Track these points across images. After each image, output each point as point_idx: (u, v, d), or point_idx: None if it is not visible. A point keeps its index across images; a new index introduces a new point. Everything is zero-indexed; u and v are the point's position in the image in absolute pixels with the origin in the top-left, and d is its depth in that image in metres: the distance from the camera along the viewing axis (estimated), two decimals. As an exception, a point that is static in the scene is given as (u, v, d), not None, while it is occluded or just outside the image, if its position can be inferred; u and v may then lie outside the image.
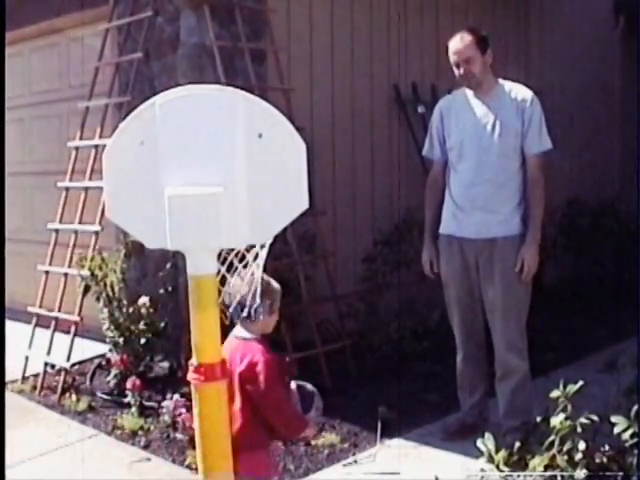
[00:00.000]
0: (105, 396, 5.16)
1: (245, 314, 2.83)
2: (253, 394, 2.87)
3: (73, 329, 5.31)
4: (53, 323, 5.48)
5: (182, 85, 2.34)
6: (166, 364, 5.48)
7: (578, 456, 2.86)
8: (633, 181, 7.78)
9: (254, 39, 5.59)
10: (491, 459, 2.99)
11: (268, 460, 3.07)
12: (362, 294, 6.06)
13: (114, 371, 5.21)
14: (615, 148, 8.89)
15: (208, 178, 2.17)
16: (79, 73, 6.50)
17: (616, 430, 2.85)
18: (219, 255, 2.35)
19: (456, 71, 4.15)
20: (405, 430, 4.46)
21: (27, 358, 5.59)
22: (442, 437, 4.35)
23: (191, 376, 2.33)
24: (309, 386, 3.04)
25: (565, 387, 2.95)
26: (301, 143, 2.23)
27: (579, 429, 2.88)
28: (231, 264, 2.46)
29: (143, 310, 5.23)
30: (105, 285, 5.23)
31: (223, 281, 2.49)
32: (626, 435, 2.83)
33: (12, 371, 5.32)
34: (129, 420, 4.72)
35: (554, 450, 2.89)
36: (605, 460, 2.91)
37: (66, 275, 5.52)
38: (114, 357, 5.23)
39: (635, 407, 2.88)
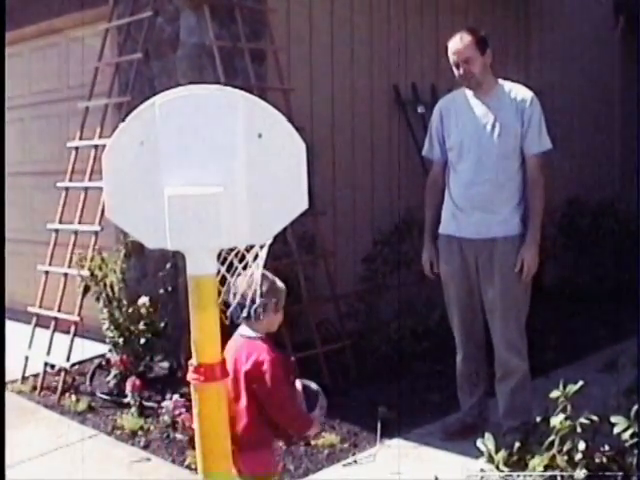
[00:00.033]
0: (105, 396, 5.16)
1: (245, 314, 2.84)
2: (259, 393, 2.88)
3: (73, 329, 5.31)
4: (53, 323, 5.48)
5: (182, 85, 2.34)
6: (166, 364, 5.48)
7: (578, 456, 2.86)
8: (633, 181, 7.79)
9: (254, 39, 5.59)
10: (491, 459, 3.00)
11: (271, 459, 3.08)
12: (362, 294, 6.06)
13: (114, 371, 5.21)
14: (615, 148, 8.90)
15: (208, 178, 2.17)
16: (79, 73, 6.50)
17: (616, 430, 2.85)
18: (219, 255, 2.35)
19: (456, 71, 4.15)
20: (405, 430, 4.45)
21: (27, 358, 5.59)
22: (442, 437, 4.35)
23: (191, 376, 2.33)
24: (313, 385, 3.05)
25: (565, 387, 2.95)
26: (301, 143, 2.23)
27: (579, 429, 2.88)
28: (231, 264, 2.46)
29: (143, 310, 5.23)
30: (105, 285, 5.23)
31: (223, 281, 2.49)
32: (626, 435, 2.83)
33: (12, 371, 5.32)
34: (129, 420, 4.71)
35: (554, 450, 2.89)
36: (605, 460, 2.91)
37: (66, 275, 5.52)
38: (114, 357, 5.23)
39: (635, 407, 2.88)
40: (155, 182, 2.22)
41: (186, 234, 2.19)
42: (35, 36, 7.10)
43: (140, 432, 4.61)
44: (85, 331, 5.54)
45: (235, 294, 2.77)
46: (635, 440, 2.83)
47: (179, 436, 4.46)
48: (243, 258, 2.44)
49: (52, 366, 5.49)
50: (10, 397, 5.18)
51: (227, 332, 2.84)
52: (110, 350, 5.33)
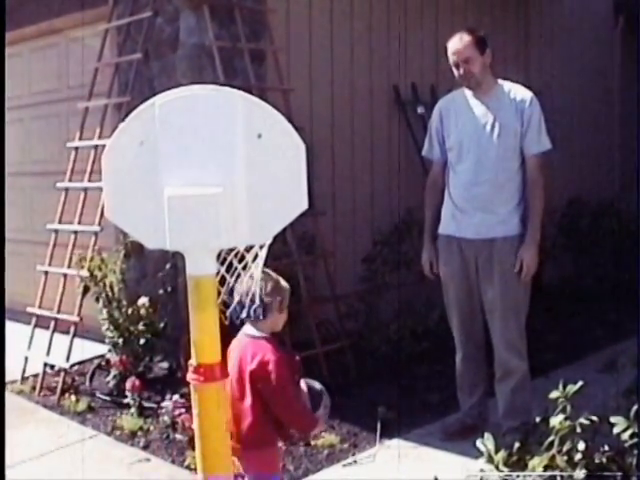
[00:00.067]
0: (104, 396, 5.16)
1: (244, 314, 2.85)
2: (264, 392, 2.89)
3: (72, 329, 5.31)
4: (52, 323, 5.48)
5: (182, 85, 2.34)
6: (165, 364, 5.48)
7: (577, 456, 2.86)
8: (633, 181, 7.79)
9: (253, 39, 5.59)
10: (490, 459, 2.99)
11: (276, 458, 3.10)
12: (362, 294, 6.06)
13: (113, 372, 5.21)
14: (615, 148, 8.90)
15: (207, 178, 2.17)
16: (79, 73, 6.50)
17: (615, 430, 2.85)
18: (218, 255, 2.35)
19: (455, 71, 4.16)
20: (405, 430, 4.45)
21: (26, 359, 5.58)
22: (442, 437, 4.35)
23: (190, 376, 2.33)
24: (317, 384, 3.06)
25: (564, 387, 2.95)
26: (300, 143, 2.23)
27: (578, 429, 2.88)
28: (231, 264, 2.46)
29: (142, 310, 5.23)
30: (104, 285, 5.23)
31: (222, 281, 2.49)
32: (625, 435, 2.83)
33: (11, 372, 5.32)
34: (128, 421, 4.71)
35: (553, 450, 2.89)
36: (604, 460, 2.91)
37: (65, 275, 5.52)
38: (113, 357, 5.24)
39: (634, 407, 2.88)
40: (155, 182, 2.22)
41: (186, 234, 2.19)
42: (35, 36, 7.10)
43: (140, 432, 4.61)
44: (85, 331, 5.54)
45: (240, 294, 2.78)
46: (635, 440, 2.83)
47: (179, 436, 4.46)
48: (243, 258, 2.44)
49: (52, 366, 5.49)
50: (10, 397, 5.18)
51: (227, 332, 2.84)
52: (110, 350, 5.33)
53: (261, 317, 2.97)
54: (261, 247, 2.41)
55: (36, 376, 5.48)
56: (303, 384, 3.03)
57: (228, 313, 2.83)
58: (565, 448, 2.88)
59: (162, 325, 5.31)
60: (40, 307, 5.71)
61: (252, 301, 2.85)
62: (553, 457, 2.88)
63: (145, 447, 4.45)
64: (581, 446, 2.87)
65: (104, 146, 2.39)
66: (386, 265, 6.25)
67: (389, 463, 4.09)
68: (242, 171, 2.20)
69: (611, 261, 7.50)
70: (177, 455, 4.31)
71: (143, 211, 2.28)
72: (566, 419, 2.89)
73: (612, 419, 2.88)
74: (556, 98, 7.57)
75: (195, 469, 2.96)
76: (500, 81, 4.23)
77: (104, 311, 5.24)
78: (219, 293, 2.45)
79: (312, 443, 4.30)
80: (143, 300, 5.26)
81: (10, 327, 5.62)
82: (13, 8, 5.62)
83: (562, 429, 2.88)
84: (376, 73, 6.47)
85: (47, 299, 5.68)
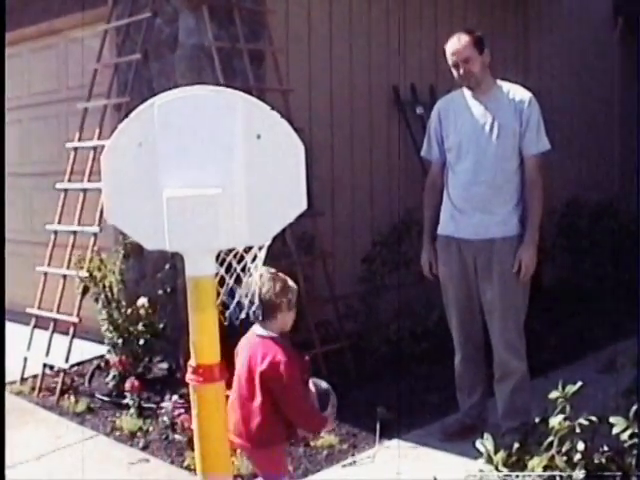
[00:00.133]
0: (104, 397, 5.16)
1: (243, 315, 2.85)
2: (275, 392, 2.90)
3: (72, 330, 5.31)
4: (52, 324, 5.48)
5: (181, 86, 2.34)
6: (165, 365, 5.48)
7: (577, 457, 2.86)
8: (632, 181, 7.79)
9: (253, 40, 5.59)
10: (490, 460, 2.99)
11: (283, 458, 3.11)
12: (361, 295, 6.06)
13: (113, 372, 5.21)
14: (614, 148, 8.90)
15: (207, 179, 2.17)
16: (78, 74, 6.50)
17: (615, 431, 2.85)
18: (217, 256, 2.35)
19: (455, 72, 4.16)
20: (404, 431, 4.45)
21: (26, 359, 5.58)
22: (441, 438, 4.35)
23: (189, 377, 2.33)
24: (324, 384, 3.08)
25: (564, 388, 2.95)
26: (299, 144, 2.23)
27: (578, 430, 2.88)
28: (230, 265, 2.46)
29: (142, 311, 5.23)
30: (104, 286, 5.23)
31: (222, 282, 2.49)
32: (625, 436, 2.83)
33: (11, 372, 5.32)
34: (128, 421, 4.71)
35: (553, 451, 2.89)
36: (604, 461, 2.91)
37: (65, 276, 5.52)
38: (113, 358, 5.23)
39: (634, 407, 2.88)
40: (154, 183, 2.22)
41: (185, 235, 2.20)
42: (34, 37, 7.10)
43: (139, 433, 4.61)
44: (84, 332, 5.54)
45: (246, 295, 2.80)
46: (634, 440, 2.83)
47: (178, 437, 4.46)
48: (242, 259, 2.45)
49: (51, 367, 5.49)
50: (9, 398, 5.17)
51: (226, 333, 2.84)
52: (109, 351, 5.33)
53: (260, 318, 2.98)
54: (260, 248, 2.41)
55: (35, 377, 5.48)
56: (311, 384, 3.04)
57: (227, 314, 2.83)
58: (564, 448, 2.88)
59: (161, 326, 5.30)
60: (39, 308, 5.71)
61: (252, 302, 2.86)
62: (552, 457, 2.88)
63: (144, 448, 4.45)
64: (580, 446, 2.87)
65: (103, 147, 2.39)
66: (385, 266, 6.25)
67: (388, 463, 4.08)
68: (241, 172, 2.21)
69: (610, 261, 7.50)
70: (176, 456, 4.31)
71: (142, 212, 2.28)
72: (565, 419, 2.89)
73: (611, 419, 2.88)
74: (555, 98, 7.58)
75: (194, 469, 2.96)
76: (499, 82, 4.23)
77: (103, 312, 5.24)
78: (218, 294, 2.45)
79: (311, 444, 4.30)
80: (142, 301, 5.26)
81: (9, 328, 5.60)
82: (12, 9, 5.61)
83: (561, 429, 2.88)
84: (375, 73, 6.47)
85: (46, 300, 5.68)
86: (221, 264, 2.40)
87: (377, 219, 6.42)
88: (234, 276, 2.53)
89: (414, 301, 6.01)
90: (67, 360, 5.29)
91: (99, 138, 5.59)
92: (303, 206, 2.23)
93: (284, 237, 5.17)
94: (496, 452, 2.99)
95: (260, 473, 3.08)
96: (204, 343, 2.32)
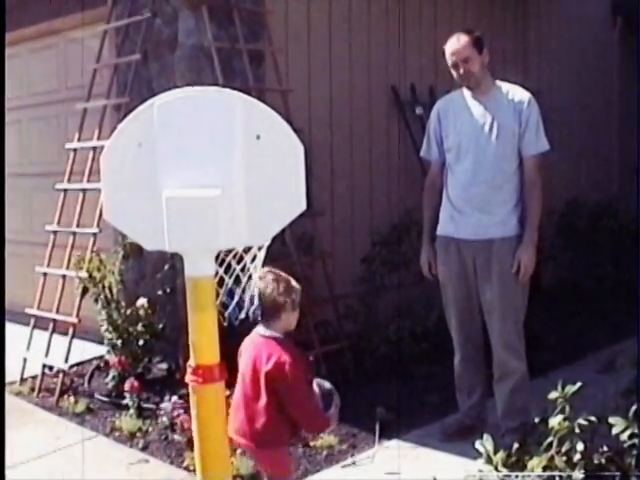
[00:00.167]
0: (103, 398, 5.16)
1: (243, 316, 2.86)
2: (280, 392, 2.91)
3: (71, 331, 5.31)
4: (51, 325, 5.48)
5: (180, 86, 2.35)
6: (164, 366, 5.48)
7: (576, 457, 2.87)
8: (631, 181, 7.80)
9: (252, 40, 5.59)
10: (489, 460, 3.00)
11: (287, 458, 3.12)
12: (360, 295, 6.06)
13: (112, 373, 5.21)
14: (613, 148, 8.91)
15: (206, 180, 2.17)
16: (77, 74, 6.50)
17: (614, 431, 2.85)
18: (217, 257, 2.35)
19: (454, 72, 4.16)
20: (403, 431, 4.45)
21: (25, 360, 5.58)
22: (440, 438, 4.35)
23: (189, 378, 2.33)
24: (327, 384, 3.09)
25: (563, 388, 2.95)
26: (299, 144, 2.23)
27: (577, 430, 2.88)
28: (229, 266, 2.47)
29: (141, 312, 5.23)
30: (103, 287, 5.23)
31: (221, 283, 2.49)
32: (624, 436, 2.83)
33: (10, 373, 5.31)
34: (127, 422, 4.71)
35: (552, 451, 2.89)
36: (603, 461, 2.91)
37: (64, 277, 5.52)
38: (112, 359, 5.23)
39: (633, 407, 2.88)
40: (153, 183, 2.22)
41: (184, 236, 2.20)
42: (34, 37, 7.10)
43: (138, 434, 4.61)
44: (83, 332, 5.54)
45: (250, 295, 2.81)
46: (633, 441, 2.83)
47: (177, 437, 4.45)
48: (241, 259, 2.45)
49: (50, 368, 5.49)
50: (8, 399, 5.17)
51: (225, 333, 2.84)
52: (108, 351, 5.32)
53: (260, 318, 2.99)
54: (259, 248, 2.41)
55: (35, 377, 5.48)
56: (314, 384, 3.05)
57: (227, 314, 2.84)
58: (564, 449, 2.88)
59: (161, 326, 5.30)
60: (39, 308, 5.71)
61: (251, 302, 2.87)
62: (552, 458, 2.88)
63: (144, 448, 4.45)
64: (580, 447, 2.87)
65: (103, 147, 2.39)
66: (385, 266, 6.25)
67: (388, 464, 4.08)
68: (241, 172, 2.21)
69: (610, 261, 7.50)
70: (176, 456, 4.31)
71: (142, 212, 2.28)
72: (565, 420, 2.90)
73: (611, 420, 2.88)
74: (555, 99, 7.58)
75: (194, 470, 2.96)
76: (498, 82, 4.24)
77: (103, 312, 5.24)
78: (217, 294, 2.45)
79: (311, 444, 4.30)
80: (142, 301, 5.26)
81: (9, 328, 5.59)
82: (12, 9, 5.61)
83: (561, 430, 2.88)
84: (375, 74, 6.47)
85: (46, 300, 5.68)
86: (220, 264, 2.40)
87: (376, 219, 6.42)
88: (233, 276, 2.53)
89: (413, 301, 6.01)
90: (66, 360, 5.29)
91: (99, 138, 5.59)
92: (302, 206, 2.24)
93: (283, 237, 5.17)
94: (495, 452, 3.00)
95: (264, 473, 3.08)
96: (203, 343, 2.32)
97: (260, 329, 3.01)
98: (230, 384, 2.93)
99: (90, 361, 5.71)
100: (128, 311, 5.22)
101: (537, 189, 4.14)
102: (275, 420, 2.94)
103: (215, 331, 2.33)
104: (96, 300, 5.25)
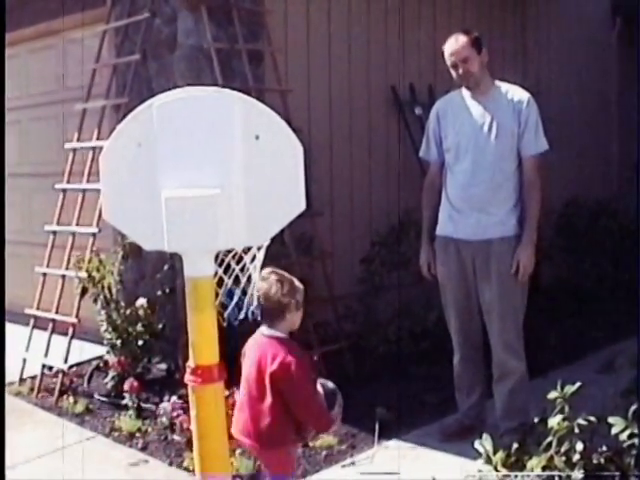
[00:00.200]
0: (103, 398, 5.16)
1: (242, 316, 2.86)
2: (285, 392, 2.91)
3: (70, 331, 5.31)
4: (50, 325, 5.48)
5: (179, 87, 2.35)
6: (164, 366, 5.48)
7: (576, 457, 2.87)
8: (631, 181, 7.79)
9: (251, 40, 5.59)
10: (489, 460, 3.00)
11: (292, 458, 3.12)
12: (360, 295, 6.06)
13: (112, 373, 5.20)
14: (612, 149, 8.91)
15: (205, 180, 2.17)
16: (76, 75, 6.49)
17: (613, 431, 2.85)
18: (216, 257, 2.35)
19: (454, 72, 4.16)
20: (403, 431, 4.46)
21: (24, 360, 5.58)
22: (440, 438, 4.35)
23: (188, 378, 2.33)
24: (330, 384, 3.10)
25: (562, 388, 2.96)
26: (298, 145, 2.23)
27: (577, 430, 2.88)
28: (228, 266, 2.47)
29: (141, 312, 5.22)
30: (103, 287, 5.23)
31: (220, 283, 2.49)
32: (624, 436, 2.83)
33: (10, 373, 5.30)
34: (127, 422, 4.71)
35: (552, 451, 2.90)
36: (602, 461, 2.91)
37: (63, 277, 5.52)
38: (112, 359, 5.23)
39: (633, 407, 2.88)
40: (152, 184, 2.23)
41: (183, 236, 2.20)
42: (33, 38, 7.10)
43: (138, 434, 4.61)
44: (83, 333, 5.54)
45: (254, 295, 2.82)
46: (633, 440, 2.84)
47: (177, 438, 4.45)
48: (241, 260, 2.45)
49: (50, 368, 5.49)
50: (8, 399, 5.16)
51: (224, 334, 2.84)
52: (108, 352, 5.32)
53: (259, 318, 2.99)
54: (259, 248, 2.41)
55: (34, 378, 5.48)
56: (318, 384, 3.05)
57: (226, 314, 2.84)
58: (563, 449, 2.88)
59: (160, 326, 5.30)
60: (38, 308, 5.71)
61: (250, 302, 2.87)
62: (551, 458, 2.88)
63: (143, 448, 4.45)
64: (579, 447, 2.87)
65: (102, 147, 2.39)
66: (384, 266, 6.25)
67: (387, 464, 4.08)
68: (240, 173, 2.21)
69: (609, 261, 7.50)
70: (175, 456, 4.31)
71: (141, 212, 2.28)
72: (564, 420, 2.90)
73: (610, 419, 2.88)
74: (554, 99, 7.58)
75: (193, 470, 2.96)
76: (497, 82, 4.24)
77: (102, 312, 5.23)
78: (217, 294, 2.45)
79: (310, 444, 4.30)
80: (141, 301, 5.26)
81: (8, 328, 5.56)
82: (11, 9, 5.61)
83: (560, 430, 2.89)
84: (374, 74, 6.47)
85: (45, 300, 5.68)
86: (220, 265, 2.40)
87: (376, 219, 6.42)
88: (233, 277, 2.53)
89: (413, 301, 6.01)
90: (66, 361, 5.29)
91: (98, 139, 5.59)
92: (302, 206, 2.24)
93: (283, 237, 5.16)
94: (495, 452, 3.00)
95: (268, 473, 3.09)
96: (203, 344, 2.32)
97: (264, 329, 3.01)
98: (229, 384, 2.94)
99: (89, 361, 5.70)
100: (127, 311, 5.22)
101: (536, 189, 4.14)
102: (280, 420, 2.95)
103: (214, 331, 2.33)
104: (95, 300, 5.25)
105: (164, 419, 4.60)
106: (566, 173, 7.82)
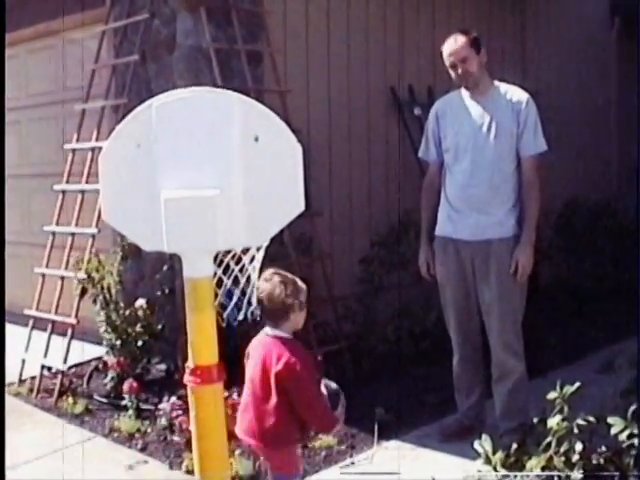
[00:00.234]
0: (102, 399, 5.15)
1: (241, 316, 2.86)
2: (290, 392, 2.92)
3: (70, 332, 5.30)
4: (50, 326, 5.48)
5: (178, 87, 2.35)
6: (163, 366, 5.48)
7: (575, 457, 2.87)
8: (630, 181, 7.80)
9: (250, 41, 5.59)
10: (488, 460, 3.00)
11: (296, 457, 3.13)
12: (359, 296, 6.06)
13: (111, 374, 5.20)
14: (612, 149, 8.91)
15: (204, 181, 2.17)
16: (76, 75, 6.49)
17: (613, 431, 2.85)
18: (215, 257, 2.35)
19: (453, 73, 4.16)
20: (402, 432, 4.46)
21: (24, 361, 5.58)
22: (439, 439, 4.35)
23: (187, 378, 2.33)
24: (333, 384, 3.11)
25: (562, 388, 2.96)
26: (297, 145, 2.23)
27: (576, 430, 2.88)
28: (228, 266, 2.47)
29: (140, 312, 5.23)
30: (102, 287, 5.23)
31: (219, 283, 2.49)
32: (623, 436, 2.83)
33: (9, 374, 5.30)
34: (126, 423, 4.71)
35: (551, 451, 2.90)
36: (602, 461, 2.91)
37: (63, 278, 5.52)
38: (111, 359, 5.23)
39: (632, 408, 2.88)
40: (151, 185, 2.23)
41: (183, 236, 2.20)
42: (32, 38, 7.10)
43: (137, 434, 4.60)
44: (82, 333, 5.54)
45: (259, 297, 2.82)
46: (632, 441, 2.84)
47: (176, 438, 4.45)
48: (240, 260, 2.45)
49: (49, 368, 5.48)
50: (7, 400, 5.16)
51: (224, 334, 2.84)
52: (107, 352, 5.32)
53: (258, 318, 2.99)
54: (258, 249, 2.41)
55: (33, 378, 5.48)
56: (322, 385, 3.06)
57: (225, 315, 2.84)
58: (563, 449, 2.88)
59: (160, 327, 5.30)
60: (37, 309, 5.71)
61: (250, 302, 2.87)
62: (551, 458, 2.88)
63: (143, 449, 4.45)
64: (579, 447, 2.87)
65: (101, 148, 2.39)
66: (383, 266, 6.25)
67: (387, 464, 4.08)
68: (239, 173, 2.21)
69: (609, 261, 7.51)
70: (175, 457, 4.30)
71: (140, 213, 2.28)
72: (563, 420, 2.90)
73: (610, 420, 2.88)
74: (553, 99, 7.57)
75: (193, 471, 2.96)
76: (497, 83, 4.24)
77: (101, 313, 5.23)
78: (216, 295, 2.45)
79: (309, 445, 4.30)
80: (140, 302, 5.26)
81: (8, 329, 5.55)
82: (10, 9, 5.60)
83: (559, 430, 2.89)
84: (373, 74, 6.47)
85: (44, 301, 5.67)
86: (219, 265, 2.40)
87: (375, 220, 6.42)
88: (232, 277, 2.53)
89: (412, 302, 6.01)
90: (65, 361, 5.29)
91: (97, 139, 5.59)
92: (301, 207, 2.24)
93: (282, 238, 5.16)
94: (494, 453, 3.00)
95: (274, 473, 3.09)
96: (202, 344, 2.32)
97: (268, 330, 3.01)
98: (229, 385, 2.94)
99: (89, 362, 5.70)
100: (127, 312, 5.22)
101: (535, 189, 4.14)
102: (285, 420, 2.96)
103: (213, 332, 2.33)
104: (95, 301, 5.25)
105: (163, 420, 4.60)
106: (565, 173, 7.82)
